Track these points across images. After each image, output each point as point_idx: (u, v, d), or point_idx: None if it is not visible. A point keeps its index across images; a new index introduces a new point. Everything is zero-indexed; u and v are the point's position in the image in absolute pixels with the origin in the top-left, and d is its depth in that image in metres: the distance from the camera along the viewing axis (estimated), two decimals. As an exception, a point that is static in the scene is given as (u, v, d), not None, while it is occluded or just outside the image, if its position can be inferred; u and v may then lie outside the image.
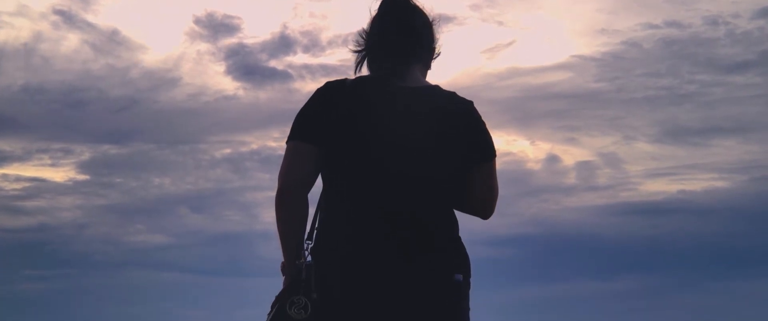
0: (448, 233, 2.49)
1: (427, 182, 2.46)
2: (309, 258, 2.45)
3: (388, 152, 2.45)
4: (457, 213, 2.56)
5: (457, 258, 2.48)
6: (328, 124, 2.46)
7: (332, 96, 2.50)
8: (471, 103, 2.57)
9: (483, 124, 2.56)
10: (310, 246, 2.47)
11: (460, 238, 2.52)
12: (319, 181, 2.53)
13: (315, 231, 2.49)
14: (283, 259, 2.50)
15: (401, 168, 2.44)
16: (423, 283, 2.40)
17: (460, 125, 2.51)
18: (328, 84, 2.54)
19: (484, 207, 2.63)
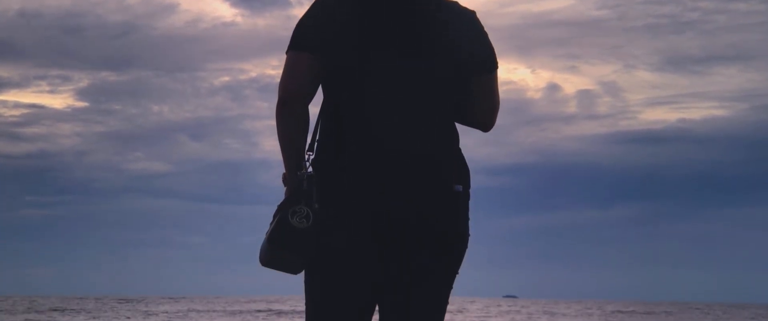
0: (448, 144, 2.50)
1: (427, 92, 2.46)
2: (310, 169, 2.45)
3: (387, 61, 2.43)
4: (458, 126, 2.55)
5: (457, 169, 2.49)
6: (326, 32, 2.44)
7: (332, 3, 2.48)
8: (474, 12, 2.54)
9: (485, 34, 2.54)
10: (311, 157, 2.47)
11: (460, 149, 2.52)
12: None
13: (316, 142, 2.49)
14: (284, 171, 2.50)
15: (401, 77, 2.43)
16: (423, 193, 2.42)
17: (461, 35, 2.49)
18: None
19: (485, 119, 2.63)
